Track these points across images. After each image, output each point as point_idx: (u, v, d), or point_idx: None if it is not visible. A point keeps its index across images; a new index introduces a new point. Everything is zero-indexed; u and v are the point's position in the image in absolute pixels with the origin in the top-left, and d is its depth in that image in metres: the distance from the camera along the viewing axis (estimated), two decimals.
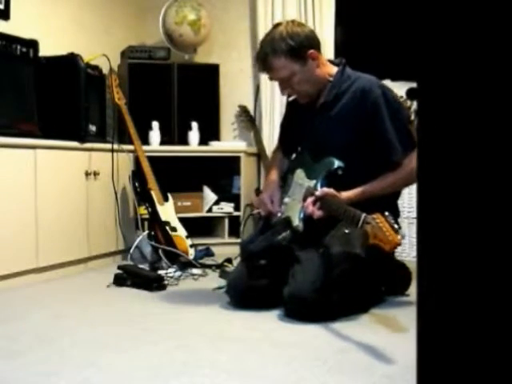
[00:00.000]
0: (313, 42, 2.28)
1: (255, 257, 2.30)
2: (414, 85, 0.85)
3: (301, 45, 2.23)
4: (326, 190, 2.13)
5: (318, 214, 2.10)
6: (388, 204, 2.30)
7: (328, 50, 3.94)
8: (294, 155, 2.53)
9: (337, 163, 2.20)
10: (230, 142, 4.05)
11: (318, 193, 2.13)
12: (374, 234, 1.78)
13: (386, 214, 1.80)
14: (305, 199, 2.21)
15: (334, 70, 2.34)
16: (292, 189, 2.39)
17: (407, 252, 3.39)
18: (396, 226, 1.75)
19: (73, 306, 2.34)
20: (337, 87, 2.29)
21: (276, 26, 2.31)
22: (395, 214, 2.40)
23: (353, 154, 2.21)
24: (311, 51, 2.25)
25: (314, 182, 2.24)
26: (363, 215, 1.85)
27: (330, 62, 2.41)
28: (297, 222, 2.22)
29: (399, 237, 1.72)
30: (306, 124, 2.38)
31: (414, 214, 3.31)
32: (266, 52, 2.25)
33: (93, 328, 2.01)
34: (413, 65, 0.82)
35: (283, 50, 2.22)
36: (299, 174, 2.37)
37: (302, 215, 2.20)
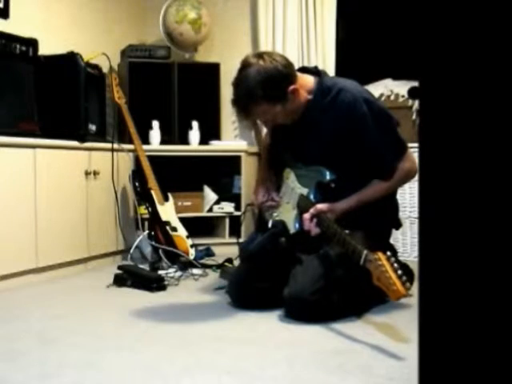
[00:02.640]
0: (289, 75, 2.12)
1: (254, 257, 2.29)
2: (415, 84, 0.85)
3: (279, 86, 2.09)
4: (319, 206, 2.10)
5: (315, 231, 2.09)
6: (387, 200, 2.27)
7: (329, 48, 3.93)
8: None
9: (328, 176, 2.16)
10: (230, 142, 4.05)
11: (312, 211, 2.10)
12: (377, 277, 1.73)
13: (388, 253, 1.75)
14: (299, 207, 2.20)
15: (311, 82, 2.22)
16: (283, 189, 2.37)
17: (409, 252, 3.38)
18: (400, 272, 1.68)
19: (72, 306, 2.33)
20: (318, 104, 2.19)
21: (245, 65, 2.11)
22: (394, 208, 2.37)
23: (344, 166, 2.17)
24: (291, 88, 2.11)
25: (306, 190, 2.22)
26: (364, 253, 1.81)
27: (304, 70, 2.30)
28: (293, 230, 2.21)
29: (405, 287, 1.65)
30: (292, 140, 2.32)
31: (416, 214, 3.30)
32: (244, 101, 2.10)
33: (92, 328, 2.00)
34: (414, 64, 0.81)
35: (262, 97, 2.07)
36: (289, 174, 2.34)
37: (297, 226, 2.19)
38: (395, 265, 1.71)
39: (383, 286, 1.71)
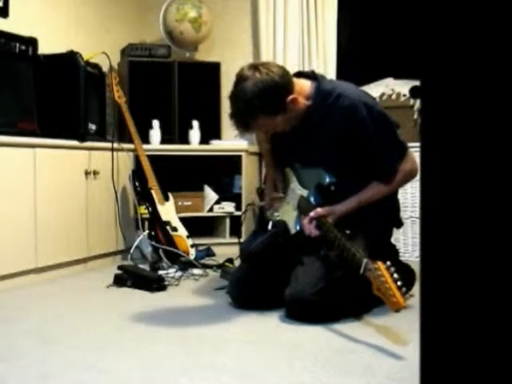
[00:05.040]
0: (287, 85, 2.07)
1: (255, 257, 2.28)
2: (417, 83, 0.84)
3: (277, 98, 2.04)
4: (319, 210, 2.09)
5: (315, 233, 2.09)
6: (387, 200, 2.26)
7: (330, 48, 3.92)
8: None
9: (328, 179, 2.15)
10: (231, 141, 4.03)
11: (311, 214, 2.09)
12: (377, 286, 1.73)
13: (388, 263, 1.74)
14: (299, 208, 2.19)
15: (308, 87, 2.17)
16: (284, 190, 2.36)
17: (410, 252, 3.37)
18: (400, 284, 1.68)
19: (72, 306, 2.32)
20: (317, 110, 2.16)
21: (241, 78, 2.06)
22: (395, 208, 2.36)
23: (343, 170, 2.16)
24: (289, 98, 2.07)
25: (306, 192, 2.21)
26: (364, 261, 1.80)
27: (301, 74, 2.26)
28: (293, 230, 2.20)
29: (404, 299, 1.65)
30: (291, 145, 2.30)
31: (417, 214, 3.29)
32: (243, 115, 2.07)
33: (92, 329, 1.99)
34: (416, 63, 0.80)
35: (261, 110, 2.04)
36: (289, 173, 2.33)
37: (298, 227, 2.18)
38: (395, 275, 1.71)
39: (383, 296, 1.72)
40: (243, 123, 2.11)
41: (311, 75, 2.24)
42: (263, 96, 2.02)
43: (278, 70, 2.07)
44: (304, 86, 2.18)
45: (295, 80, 2.15)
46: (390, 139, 2.17)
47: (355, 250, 1.87)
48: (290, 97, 2.08)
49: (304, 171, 2.26)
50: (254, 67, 2.07)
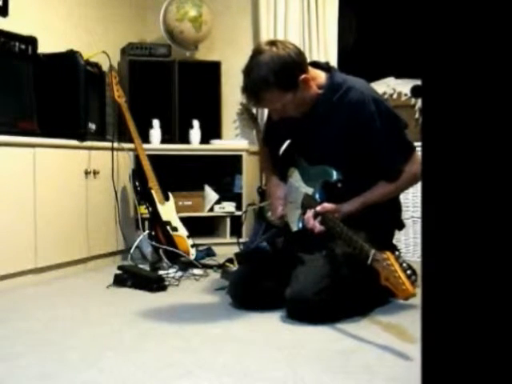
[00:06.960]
0: (301, 64, 2.12)
1: (250, 257, 2.27)
2: (418, 82, 0.84)
3: (291, 74, 2.08)
4: (326, 206, 2.08)
5: (319, 228, 2.06)
6: (389, 200, 2.25)
7: (331, 46, 3.92)
8: (282, 149, 2.46)
9: (335, 175, 2.14)
10: (231, 141, 4.03)
11: (318, 208, 2.08)
12: (385, 276, 1.71)
13: (397, 253, 1.73)
14: (303, 207, 2.18)
15: (323, 77, 2.21)
16: (287, 189, 2.34)
17: (411, 252, 3.36)
18: (409, 272, 1.66)
19: (72, 307, 2.31)
20: (328, 99, 2.17)
21: (258, 51, 2.11)
22: (397, 209, 2.35)
23: (349, 166, 2.16)
24: (302, 77, 2.10)
25: (311, 190, 2.20)
26: (372, 252, 1.79)
27: (316, 65, 2.28)
28: (295, 229, 2.19)
29: (414, 287, 1.63)
30: (298, 135, 2.30)
31: (419, 214, 3.29)
32: (255, 87, 2.09)
33: (92, 329, 1.98)
34: (417, 62, 0.80)
35: (274, 83, 2.06)
36: (293, 173, 2.32)
37: (301, 225, 2.16)
38: (404, 264, 1.69)
39: (392, 285, 1.68)
40: (255, 95, 2.13)
41: (325, 67, 2.26)
42: (278, 69, 2.06)
43: (294, 48, 2.13)
44: (318, 74, 2.21)
45: (310, 68, 2.18)
46: (396, 137, 2.16)
47: (362, 242, 1.86)
48: (303, 75, 2.11)
49: (309, 169, 2.25)
50: (271, 43, 2.13)
